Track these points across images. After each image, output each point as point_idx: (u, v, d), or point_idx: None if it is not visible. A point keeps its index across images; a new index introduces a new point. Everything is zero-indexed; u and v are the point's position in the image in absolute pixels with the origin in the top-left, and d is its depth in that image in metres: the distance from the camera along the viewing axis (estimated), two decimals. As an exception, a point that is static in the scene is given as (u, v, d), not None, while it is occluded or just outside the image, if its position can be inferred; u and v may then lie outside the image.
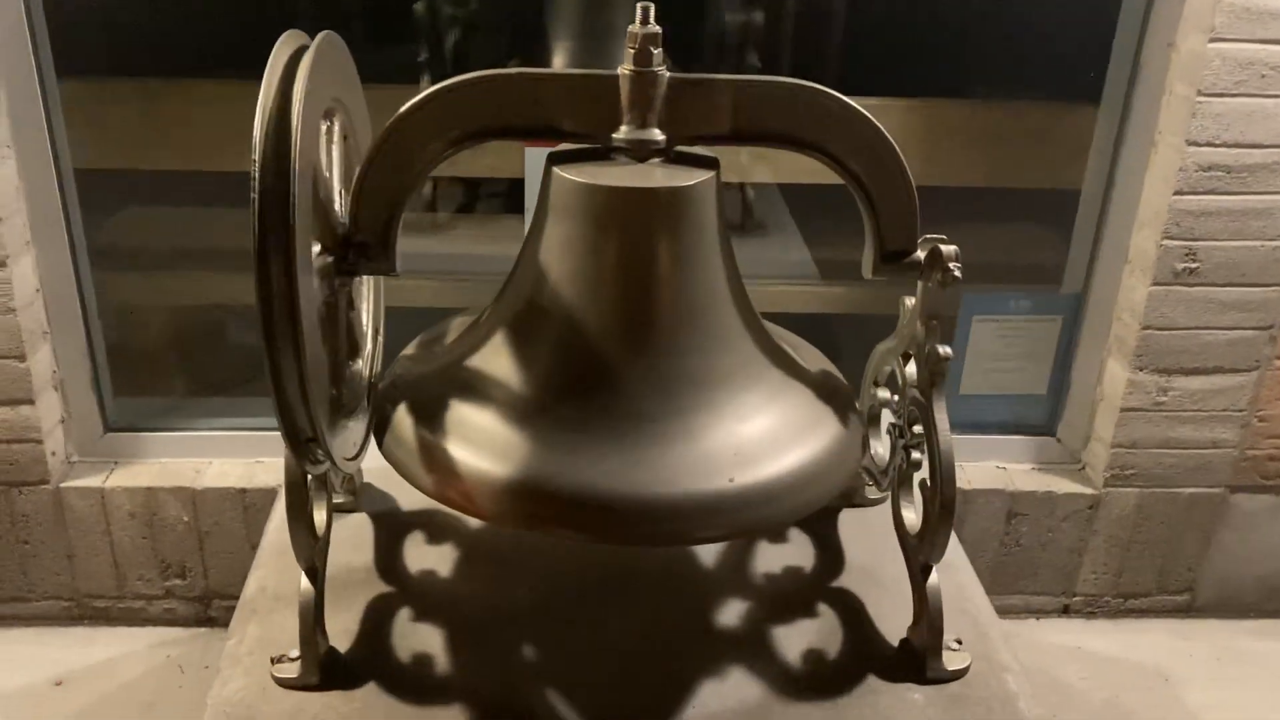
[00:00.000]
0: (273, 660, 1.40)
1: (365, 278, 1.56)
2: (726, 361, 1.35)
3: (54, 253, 2.06)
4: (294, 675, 1.38)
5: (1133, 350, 2.13)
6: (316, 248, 1.27)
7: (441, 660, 1.44)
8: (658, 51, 1.27)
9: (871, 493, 1.74)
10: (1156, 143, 2.04)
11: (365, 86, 1.47)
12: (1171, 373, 2.15)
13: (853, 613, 1.55)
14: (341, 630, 1.47)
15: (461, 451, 1.29)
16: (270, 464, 2.20)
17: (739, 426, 1.31)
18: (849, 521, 1.74)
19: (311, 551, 1.37)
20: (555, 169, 1.33)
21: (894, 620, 1.51)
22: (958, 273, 1.34)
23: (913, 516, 1.47)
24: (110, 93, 2.12)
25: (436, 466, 1.30)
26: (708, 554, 1.66)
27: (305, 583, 1.38)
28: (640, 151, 1.31)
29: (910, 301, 1.45)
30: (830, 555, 1.67)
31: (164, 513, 2.18)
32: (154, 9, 2.10)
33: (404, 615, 1.51)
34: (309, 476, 1.35)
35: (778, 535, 1.70)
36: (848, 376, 1.56)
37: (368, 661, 1.43)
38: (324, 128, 1.34)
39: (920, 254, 1.37)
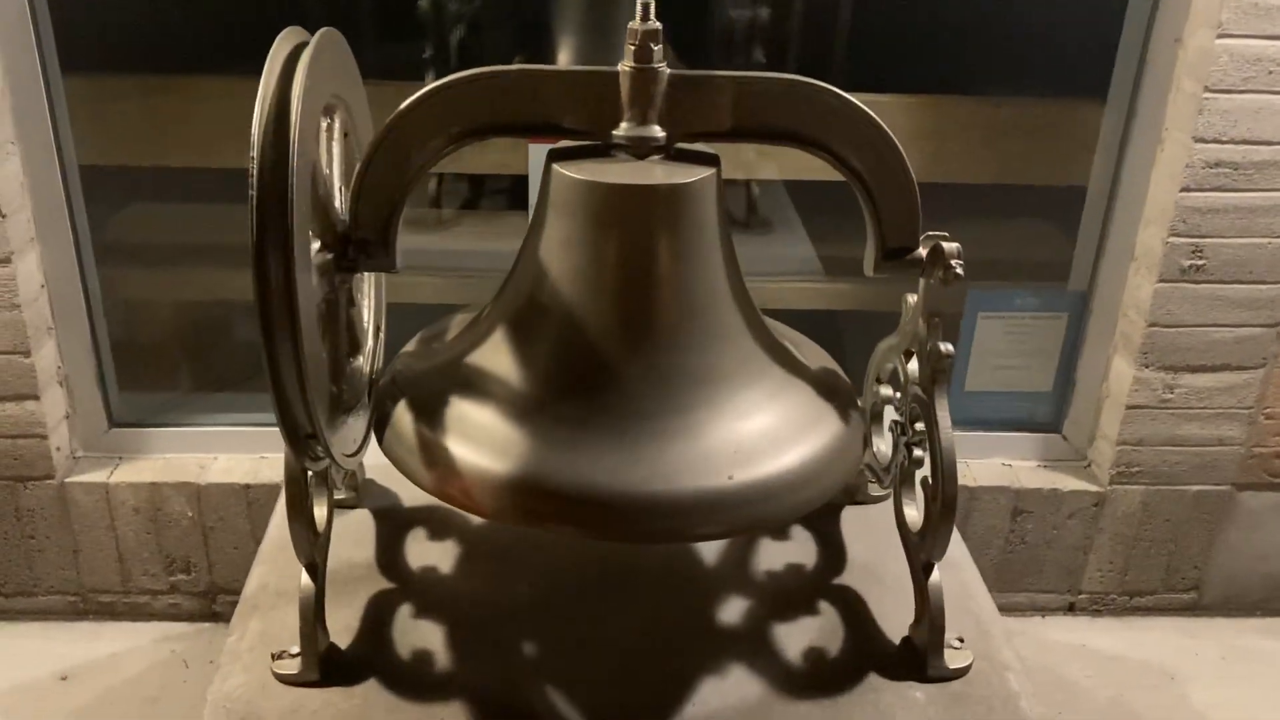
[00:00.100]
0: (273, 656, 1.40)
1: (366, 274, 1.56)
2: (727, 359, 1.34)
3: (59, 249, 2.07)
4: (294, 671, 1.38)
5: (1139, 347, 2.12)
6: (316, 244, 1.27)
7: (442, 657, 1.44)
8: (658, 48, 1.27)
9: (874, 490, 1.74)
10: (1163, 139, 2.03)
11: (369, 83, 1.47)
12: (1178, 370, 2.14)
13: (854, 610, 1.55)
14: (342, 626, 1.47)
15: (461, 448, 1.29)
16: (274, 460, 2.21)
17: (739, 424, 1.31)
18: (851, 519, 1.73)
19: (311, 548, 1.37)
20: (555, 166, 1.32)
21: (896, 618, 1.51)
22: (960, 270, 1.33)
23: (915, 514, 1.47)
24: (114, 89, 2.12)
25: (436, 463, 1.30)
26: (709, 551, 1.66)
27: (305, 579, 1.38)
28: (640, 148, 1.31)
29: (912, 298, 1.44)
30: (832, 553, 1.66)
31: (168, 508, 2.18)
32: (158, 5, 2.10)
33: (405, 612, 1.51)
34: (309, 473, 1.35)
35: (779, 532, 1.69)
36: (853, 374, 1.56)
37: (368, 658, 1.43)
38: (324, 124, 1.34)
39: (922, 251, 1.37)
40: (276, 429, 1.24)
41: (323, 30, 1.24)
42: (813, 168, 1.37)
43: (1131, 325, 2.14)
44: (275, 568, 1.59)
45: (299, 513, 1.34)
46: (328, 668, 1.39)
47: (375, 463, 1.53)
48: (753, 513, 1.29)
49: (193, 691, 2.06)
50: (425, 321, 1.58)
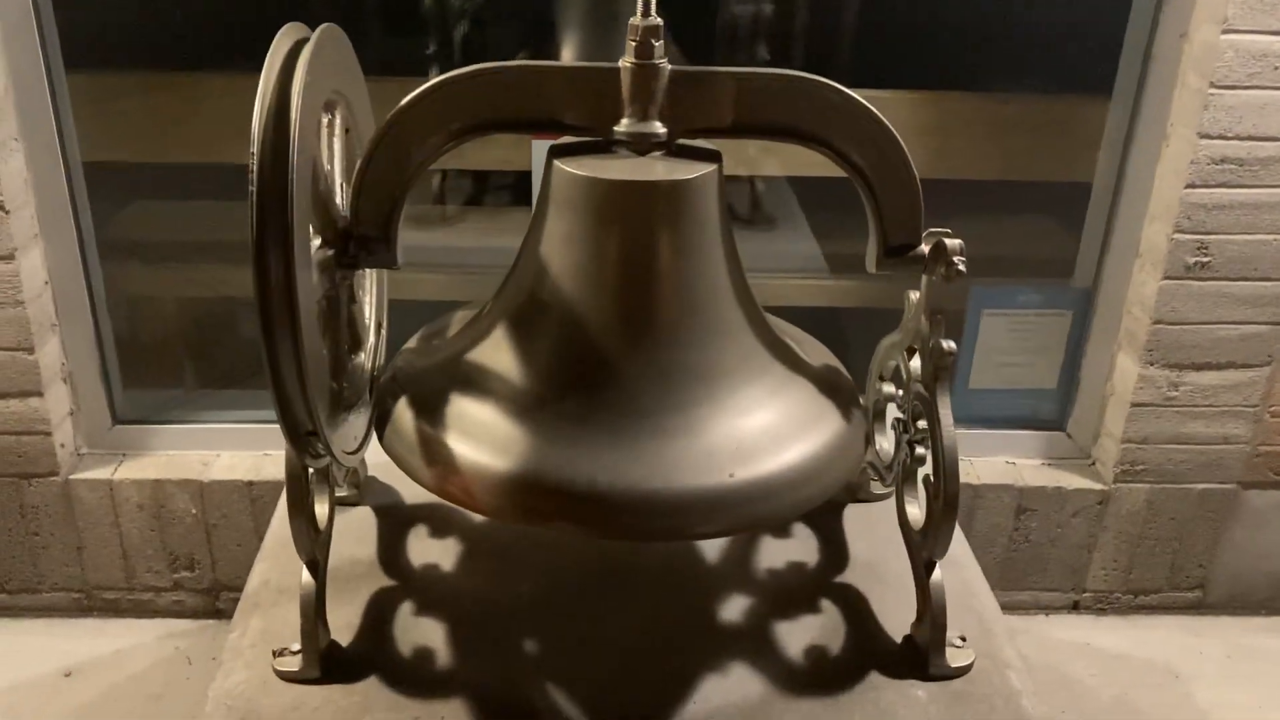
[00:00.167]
0: (274, 653, 1.40)
1: (368, 271, 1.56)
2: (728, 356, 1.34)
3: (62, 245, 2.07)
4: (295, 668, 1.38)
5: (1143, 345, 2.11)
6: (317, 241, 1.27)
7: (442, 654, 1.43)
8: (659, 43, 1.26)
9: (876, 488, 1.73)
10: (1168, 135, 2.02)
11: (373, 79, 1.47)
12: (1183, 368, 2.13)
13: (856, 609, 1.54)
14: (343, 624, 1.47)
15: (461, 445, 1.29)
16: (277, 457, 2.21)
17: (740, 421, 1.30)
18: (854, 517, 1.73)
19: (312, 545, 1.37)
20: (556, 162, 1.32)
21: (898, 616, 1.50)
22: (962, 267, 1.32)
23: (917, 512, 1.46)
24: (118, 86, 2.12)
25: (436, 460, 1.30)
26: (710, 549, 1.65)
27: (306, 576, 1.38)
28: (641, 144, 1.30)
29: (915, 295, 1.44)
30: (834, 550, 1.66)
31: (172, 505, 2.18)
32: (161, 3, 2.10)
33: (406, 609, 1.51)
34: (310, 470, 1.35)
35: (781, 530, 1.69)
36: (857, 371, 1.55)
37: (369, 655, 1.43)
38: (325, 120, 1.33)
39: (924, 248, 1.36)
40: (279, 426, 1.24)
41: (323, 26, 1.23)
42: (817, 164, 1.36)
43: (1136, 322, 2.13)
44: (277, 565, 1.59)
45: (300, 510, 1.34)
46: (329, 665, 1.39)
47: (377, 460, 1.53)
48: (753, 511, 1.28)
49: (196, 688, 2.06)
50: (429, 318, 1.58)
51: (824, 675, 1.43)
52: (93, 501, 2.17)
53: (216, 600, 2.28)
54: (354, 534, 1.65)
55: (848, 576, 1.61)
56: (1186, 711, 2.15)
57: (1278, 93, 1.90)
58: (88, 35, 2.00)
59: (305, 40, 1.20)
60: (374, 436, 1.42)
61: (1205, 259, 2.03)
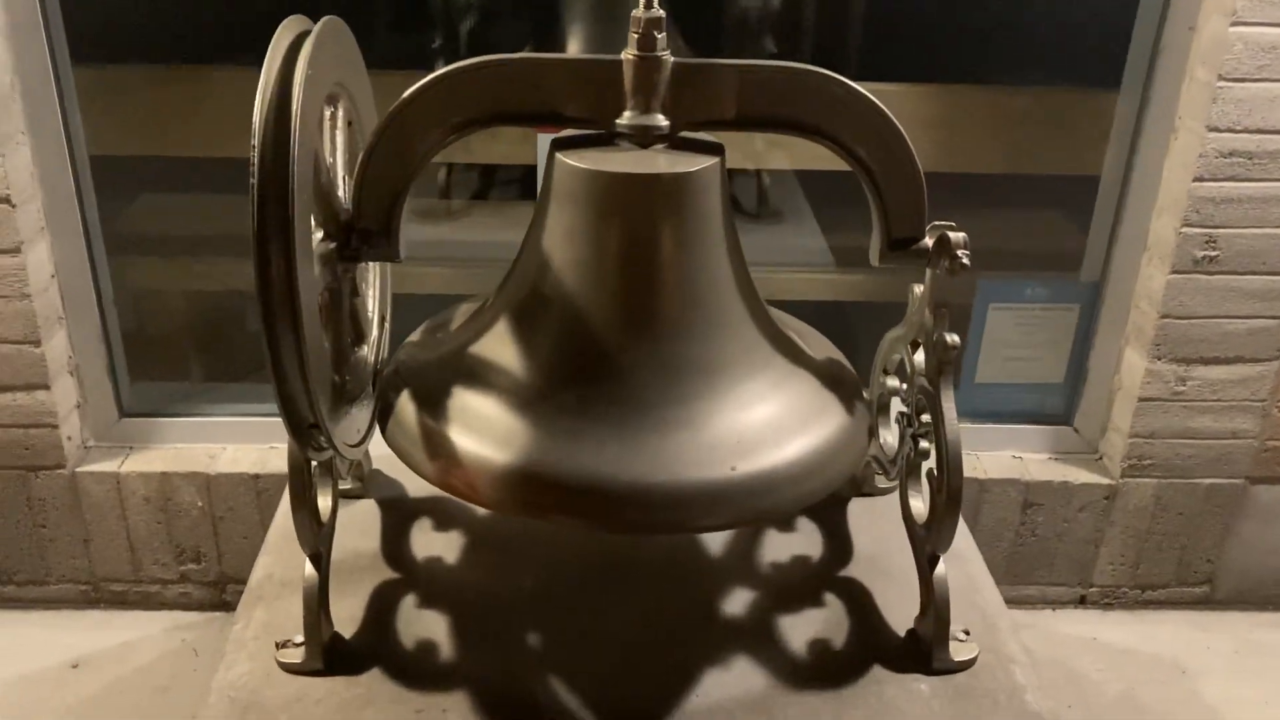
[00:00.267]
0: (277, 645, 1.41)
1: (372, 264, 1.56)
2: (730, 349, 1.34)
3: (69, 239, 2.07)
4: (298, 660, 1.39)
5: (1151, 339, 2.10)
6: (319, 234, 1.27)
7: (445, 647, 1.44)
8: (661, 35, 1.26)
9: (881, 482, 1.73)
10: (1177, 128, 2.01)
11: (379, 73, 1.46)
12: (1190, 362, 2.12)
13: (859, 603, 1.54)
14: (347, 616, 1.47)
15: (463, 438, 1.29)
16: (284, 450, 2.14)
17: (742, 414, 1.30)
18: (858, 511, 1.73)
19: (315, 538, 1.38)
20: (558, 155, 1.32)
21: (901, 611, 1.50)
22: (966, 260, 1.31)
23: (920, 506, 1.46)
24: (124, 80, 2.13)
25: (439, 453, 1.30)
26: (713, 542, 1.65)
27: (309, 569, 1.38)
28: (644, 137, 1.30)
29: (919, 289, 1.43)
30: (838, 544, 1.66)
31: (178, 498, 2.19)
32: (168, -5, 2.11)
33: (409, 602, 1.51)
34: (313, 463, 1.36)
35: (785, 524, 1.69)
36: (865, 366, 1.55)
37: (372, 647, 1.43)
38: (327, 113, 1.33)
39: (928, 241, 1.36)
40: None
41: (325, 19, 1.23)
42: (824, 158, 1.36)
43: (1144, 316, 2.12)
44: (281, 557, 1.59)
45: (302, 503, 1.35)
46: (331, 657, 1.40)
47: (381, 453, 1.53)
48: (755, 504, 1.28)
49: (203, 680, 2.04)
50: (435, 312, 1.58)
51: (827, 669, 1.43)
52: (99, 494, 2.18)
53: (223, 593, 2.28)
54: (358, 527, 1.65)
55: (851, 570, 1.61)
56: (1193, 707, 2.14)
57: (1287, 85, 1.89)
58: (94, 29, 2.00)
59: (307, 33, 1.20)
60: (376, 429, 1.42)
61: (1213, 253, 2.02)
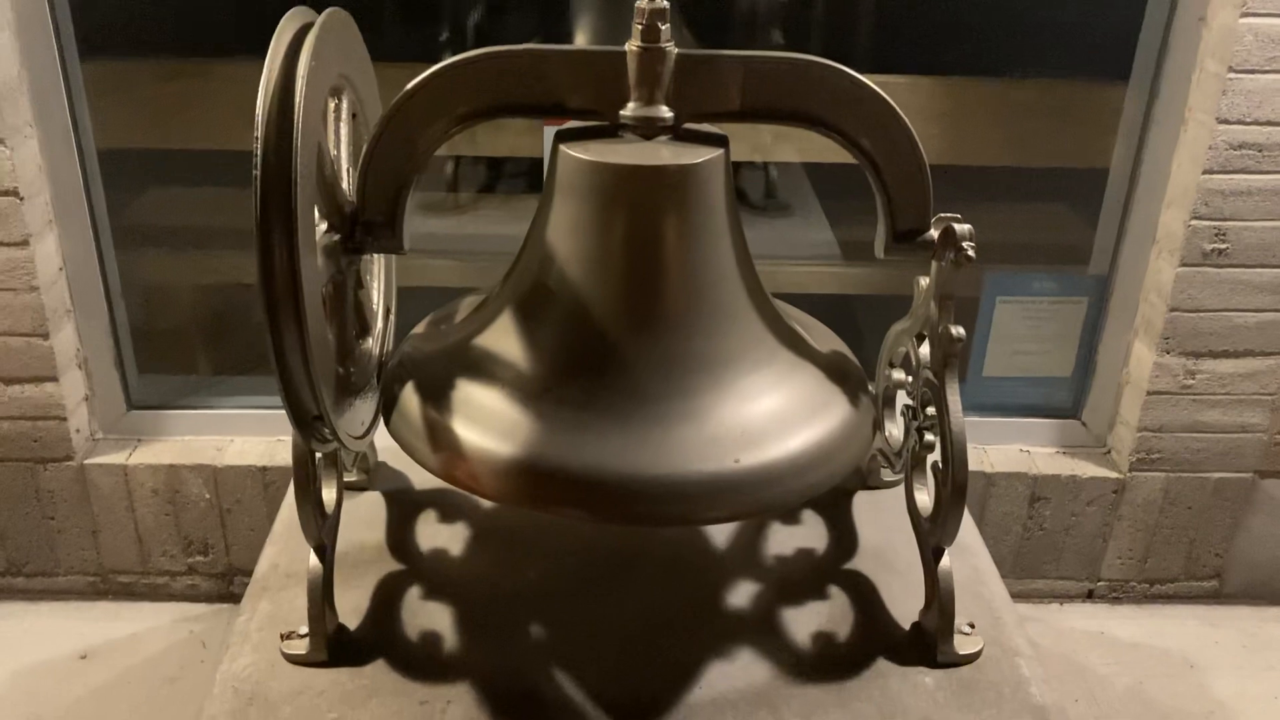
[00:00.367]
0: (282, 636, 1.41)
1: (377, 256, 1.56)
2: (734, 341, 1.33)
3: (77, 232, 2.08)
4: (302, 652, 1.39)
5: (1160, 332, 2.09)
6: (322, 226, 1.27)
7: (449, 639, 1.44)
8: (665, 27, 1.25)
9: (886, 475, 1.72)
10: (1186, 120, 2.00)
11: (385, 65, 1.46)
12: (1199, 355, 2.11)
13: (864, 595, 1.54)
14: (351, 608, 1.47)
15: (467, 431, 1.29)
16: (290, 442, 2.20)
17: (745, 407, 1.30)
18: (863, 503, 1.72)
19: (320, 529, 1.38)
20: (562, 147, 1.31)
21: (906, 604, 1.50)
22: (971, 252, 1.31)
23: (925, 499, 1.45)
24: (132, 73, 2.13)
25: (442, 445, 1.30)
26: (718, 535, 1.65)
27: (314, 560, 1.38)
28: (648, 129, 1.29)
29: (924, 281, 1.43)
30: (843, 537, 1.65)
31: (186, 490, 2.20)
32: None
33: (413, 594, 1.51)
34: (317, 455, 1.36)
35: (790, 516, 1.68)
36: (871, 358, 1.54)
37: (376, 639, 1.43)
38: (331, 105, 1.33)
39: (933, 233, 1.35)
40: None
41: (329, 10, 1.23)
42: (832, 150, 1.35)
43: (1152, 310, 2.12)
44: (286, 549, 1.59)
45: (307, 495, 1.35)
46: (336, 648, 1.40)
47: (386, 445, 1.53)
48: (759, 497, 1.28)
49: (211, 671, 2.03)
50: (441, 304, 1.58)
51: (831, 662, 1.42)
52: (108, 486, 2.19)
53: (230, 584, 2.29)
54: (363, 519, 1.65)
55: (856, 563, 1.60)
56: (1202, 701, 2.13)
57: (1297, 77, 1.88)
58: (101, 22, 2.00)
59: (311, 25, 1.20)
60: (381, 422, 1.42)
61: (1223, 245, 2.01)
